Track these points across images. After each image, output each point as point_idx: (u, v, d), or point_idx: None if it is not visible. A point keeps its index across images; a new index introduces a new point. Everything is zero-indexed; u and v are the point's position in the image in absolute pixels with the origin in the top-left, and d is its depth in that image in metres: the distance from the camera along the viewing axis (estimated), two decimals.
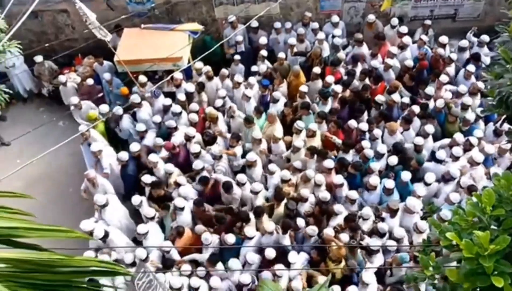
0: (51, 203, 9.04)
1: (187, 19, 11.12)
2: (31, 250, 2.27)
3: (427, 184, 7.93)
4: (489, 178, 7.67)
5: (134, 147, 8.71)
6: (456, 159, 8.16)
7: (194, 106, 9.28)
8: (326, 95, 9.24)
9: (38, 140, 9.58)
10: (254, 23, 10.34)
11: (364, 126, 8.78)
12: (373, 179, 7.99)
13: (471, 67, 9.55)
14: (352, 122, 8.80)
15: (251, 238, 7.46)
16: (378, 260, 7.21)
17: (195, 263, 7.58)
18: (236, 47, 10.62)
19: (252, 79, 9.74)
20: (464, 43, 10.09)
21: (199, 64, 9.68)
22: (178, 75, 9.40)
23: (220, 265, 7.23)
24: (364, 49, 10.34)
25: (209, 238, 7.46)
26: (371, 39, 10.59)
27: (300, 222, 7.57)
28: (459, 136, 8.47)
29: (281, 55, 10.14)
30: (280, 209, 7.89)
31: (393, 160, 8.20)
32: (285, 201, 7.90)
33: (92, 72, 10.61)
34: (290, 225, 7.50)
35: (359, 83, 9.62)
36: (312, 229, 7.43)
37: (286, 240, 7.50)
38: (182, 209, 7.80)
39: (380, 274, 7.21)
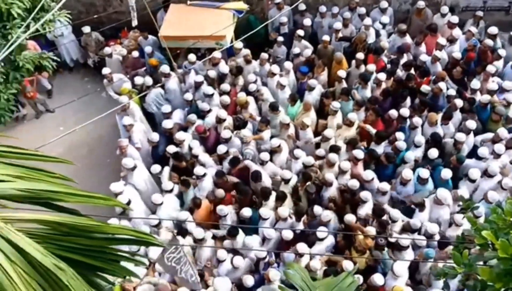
0: (89, 170, 9.32)
1: None
2: (69, 214, 2.35)
3: (471, 181, 7.70)
4: None
5: (167, 123, 8.81)
6: (497, 156, 7.89)
7: (225, 86, 9.24)
8: (367, 79, 9.07)
9: (81, 109, 9.89)
10: (301, 6, 10.13)
11: (405, 112, 8.55)
12: (406, 172, 7.79)
13: None
14: (393, 112, 8.60)
15: (266, 219, 7.52)
16: (409, 255, 7.08)
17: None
18: (280, 28, 10.53)
19: (288, 64, 9.57)
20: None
21: (239, 45, 9.66)
22: (216, 54, 9.37)
23: (240, 238, 7.31)
24: (408, 40, 10.07)
25: (224, 210, 7.53)
26: (418, 27, 10.33)
27: (317, 209, 7.46)
28: (502, 132, 8.16)
29: (326, 38, 9.97)
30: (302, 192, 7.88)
31: (434, 153, 7.98)
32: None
33: (136, 46, 10.75)
34: (302, 212, 7.51)
35: (403, 73, 9.39)
36: (327, 215, 7.37)
37: (301, 227, 7.49)
38: (203, 175, 7.91)
39: (410, 269, 7.10)
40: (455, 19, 10.03)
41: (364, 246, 6.99)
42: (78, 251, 2.27)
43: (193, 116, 8.90)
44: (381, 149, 8.34)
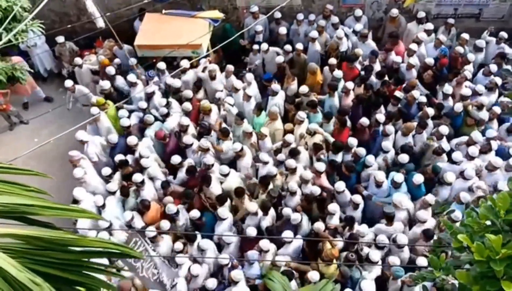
0: (63, 183, 9.14)
1: (209, 6, 11.10)
2: (45, 228, 2.31)
3: (447, 184, 7.85)
4: None
5: (125, 122, 8.91)
6: (471, 158, 8.05)
7: (187, 93, 9.34)
8: (334, 87, 9.19)
9: (56, 120, 9.72)
10: (277, 14, 10.24)
11: (381, 117, 8.68)
12: (379, 174, 7.95)
13: (492, 66, 9.43)
14: (365, 120, 8.73)
15: (224, 219, 7.61)
16: (377, 270, 7.13)
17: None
18: (255, 37, 10.58)
19: (250, 76, 9.62)
20: (480, 42, 9.93)
21: (203, 60, 9.76)
22: (184, 62, 9.48)
23: (196, 242, 7.37)
24: (372, 44, 10.25)
25: (172, 208, 7.66)
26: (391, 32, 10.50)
27: (287, 210, 7.60)
28: (476, 135, 8.35)
29: (299, 46, 10.04)
30: (264, 196, 8.02)
31: (404, 157, 8.13)
32: (271, 186, 8.02)
33: (112, 55, 10.66)
34: (269, 206, 7.70)
35: (376, 81, 9.54)
36: (296, 218, 7.47)
37: (266, 221, 7.68)
38: (142, 183, 7.99)
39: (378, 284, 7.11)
40: (430, 25, 10.24)
41: (331, 256, 7.02)
42: (55, 265, 2.22)
43: (150, 117, 8.98)
44: (339, 157, 8.45)
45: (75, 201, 7.83)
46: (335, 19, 10.54)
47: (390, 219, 7.50)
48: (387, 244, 7.24)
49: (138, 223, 7.75)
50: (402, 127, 8.76)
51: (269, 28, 10.94)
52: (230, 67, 9.80)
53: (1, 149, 9.80)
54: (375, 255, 7.02)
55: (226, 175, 8.18)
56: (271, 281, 6.58)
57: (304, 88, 9.31)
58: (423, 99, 9.05)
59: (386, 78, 9.52)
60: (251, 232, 7.30)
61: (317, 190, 7.76)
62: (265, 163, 8.27)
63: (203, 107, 9.08)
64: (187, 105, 9.07)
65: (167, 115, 9.05)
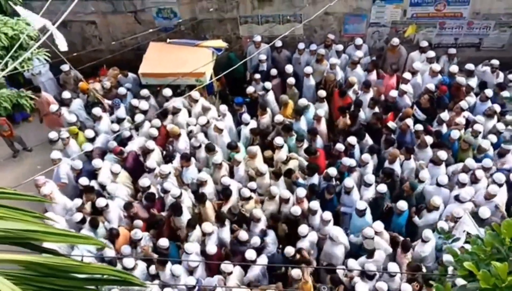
0: None
1: (212, 36, 11.27)
2: (48, 254, 2.30)
3: (436, 208, 7.84)
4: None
5: (87, 147, 9.06)
6: (462, 185, 8.05)
7: (156, 122, 9.46)
8: (299, 112, 9.35)
9: None
10: (278, 43, 10.41)
11: (352, 140, 8.79)
12: (348, 181, 8.14)
13: (488, 91, 9.50)
14: (340, 146, 8.80)
15: (190, 254, 7.62)
16: None
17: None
18: (259, 65, 10.71)
19: (223, 108, 9.70)
20: (469, 66, 10.07)
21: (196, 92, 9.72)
22: (166, 91, 9.74)
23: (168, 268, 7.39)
24: (360, 72, 10.37)
25: (139, 233, 7.73)
26: (392, 64, 10.61)
27: (243, 235, 7.62)
28: (470, 162, 8.39)
29: (290, 81, 10.18)
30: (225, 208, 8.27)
31: (382, 188, 8.07)
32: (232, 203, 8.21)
33: (116, 83, 10.77)
34: (224, 217, 7.92)
35: (369, 110, 9.63)
36: (255, 242, 7.52)
37: (225, 232, 7.82)
38: (106, 206, 8.07)
39: None
40: (431, 53, 10.37)
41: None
42: None
43: (113, 143, 9.11)
44: (315, 179, 8.51)
45: None
46: (338, 47, 10.70)
47: (370, 252, 7.45)
48: (374, 271, 7.16)
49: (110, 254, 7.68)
50: (387, 155, 8.78)
51: (271, 56, 11.07)
52: (223, 108, 9.74)
53: (4, 175, 9.81)
54: (362, 288, 6.93)
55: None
56: None
57: (279, 117, 9.46)
58: (420, 127, 9.06)
59: (377, 109, 9.58)
60: (211, 249, 7.41)
61: (297, 210, 7.83)
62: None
63: (172, 131, 9.23)
64: (153, 132, 9.21)
65: (129, 138, 9.28)
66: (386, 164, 8.67)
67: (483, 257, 2.95)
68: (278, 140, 8.93)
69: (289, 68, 10.38)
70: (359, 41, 10.78)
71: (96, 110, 9.70)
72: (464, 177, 8.07)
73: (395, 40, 10.62)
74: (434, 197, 7.92)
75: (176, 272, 7.22)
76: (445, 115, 9.22)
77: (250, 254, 7.25)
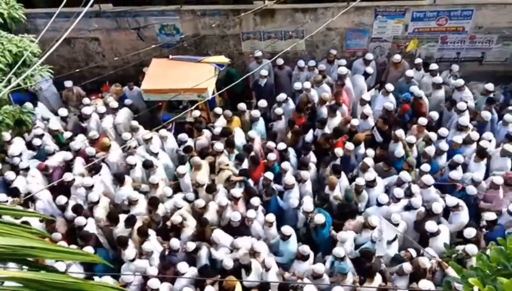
0: None
1: (215, 52, 11.32)
2: (46, 271, 2.27)
3: (372, 227, 7.75)
4: None
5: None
6: (397, 200, 8.09)
7: (94, 133, 9.67)
8: (240, 158, 9.14)
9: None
10: (280, 61, 10.49)
11: (286, 166, 8.76)
12: (288, 178, 8.37)
13: (461, 104, 9.39)
14: (286, 165, 8.78)
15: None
16: None
17: None
18: (260, 81, 10.73)
19: (164, 132, 9.66)
20: (437, 79, 10.12)
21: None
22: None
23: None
24: (326, 88, 10.32)
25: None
26: (395, 78, 10.62)
27: (174, 242, 7.74)
28: (405, 175, 8.39)
29: (241, 106, 10.14)
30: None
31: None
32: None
33: (118, 99, 10.78)
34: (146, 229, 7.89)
35: (318, 131, 9.62)
36: (190, 246, 7.59)
37: (175, 242, 7.75)
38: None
39: None
40: (434, 66, 10.37)
41: None
42: None
43: (35, 161, 9.26)
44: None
45: None
46: (342, 61, 10.64)
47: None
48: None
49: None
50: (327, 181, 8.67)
51: (273, 72, 11.09)
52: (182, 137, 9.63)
53: None
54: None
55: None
56: None
57: (203, 140, 9.60)
58: (371, 153, 9.02)
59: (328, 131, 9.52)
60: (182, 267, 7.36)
61: (236, 216, 7.87)
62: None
63: (102, 143, 9.37)
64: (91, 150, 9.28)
65: (52, 153, 9.35)
66: (326, 190, 8.61)
67: (488, 273, 2.90)
68: (218, 145, 9.10)
69: (297, 85, 10.33)
70: (369, 56, 10.75)
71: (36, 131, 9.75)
72: (399, 192, 8.12)
73: (397, 57, 10.61)
74: (372, 216, 7.84)
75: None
76: (400, 133, 9.13)
77: (182, 266, 7.29)
